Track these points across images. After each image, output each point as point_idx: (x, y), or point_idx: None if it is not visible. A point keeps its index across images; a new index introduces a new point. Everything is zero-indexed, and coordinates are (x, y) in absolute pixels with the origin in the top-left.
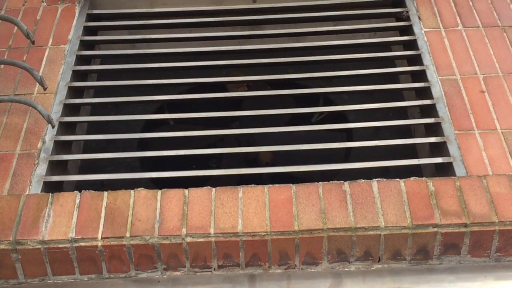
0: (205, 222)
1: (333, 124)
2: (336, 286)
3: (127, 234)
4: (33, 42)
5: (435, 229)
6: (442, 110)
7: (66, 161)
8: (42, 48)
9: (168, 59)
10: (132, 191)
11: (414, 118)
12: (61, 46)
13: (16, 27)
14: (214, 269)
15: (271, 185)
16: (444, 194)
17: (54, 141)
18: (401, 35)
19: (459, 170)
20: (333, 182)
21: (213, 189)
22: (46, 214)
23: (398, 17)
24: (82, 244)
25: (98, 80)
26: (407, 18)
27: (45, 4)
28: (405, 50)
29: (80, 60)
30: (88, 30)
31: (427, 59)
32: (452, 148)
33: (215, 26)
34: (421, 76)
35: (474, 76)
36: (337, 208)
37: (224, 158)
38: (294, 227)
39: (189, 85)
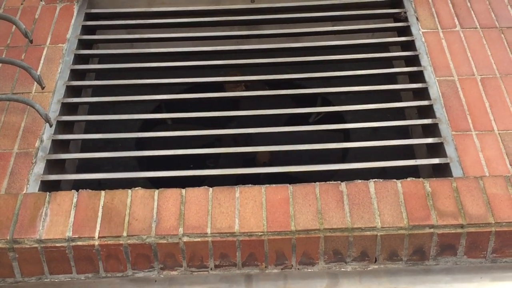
0: (202, 222)
1: (330, 124)
2: (333, 287)
3: (124, 234)
4: (31, 41)
5: (432, 230)
6: (440, 111)
7: (64, 160)
8: (40, 47)
9: (166, 58)
10: (129, 191)
11: (411, 118)
12: (59, 45)
13: (14, 26)
14: (211, 269)
15: (268, 185)
16: (440, 195)
17: (52, 140)
18: (399, 36)
19: (456, 171)
20: (330, 182)
21: (210, 189)
22: (43, 213)
23: (396, 18)
24: (79, 243)
25: (96, 79)
26: (405, 19)
27: (43, 3)
28: (403, 51)
29: (78, 59)
30: (86, 29)
31: (424, 60)
32: (449, 149)
33: (213, 25)
34: (418, 77)
35: (471, 77)
36: (334, 209)
37: (222, 158)
38: (291, 227)
39: (187, 85)
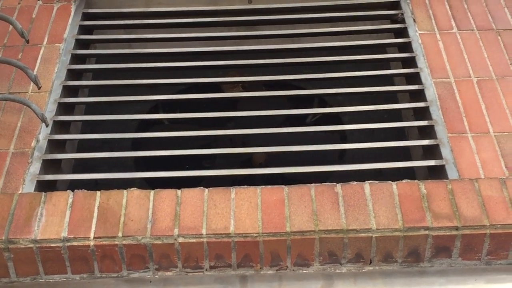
0: (197, 223)
1: (327, 125)
2: None
3: (120, 234)
4: (27, 41)
5: (427, 232)
6: (436, 112)
7: (60, 160)
8: (37, 47)
9: (164, 59)
10: (125, 191)
11: (408, 120)
12: (56, 44)
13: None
14: (206, 270)
15: (263, 186)
16: (436, 197)
17: (48, 140)
18: (396, 37)
19: (451, 173)
20: (326, 184)
21: (206, 189)
22: (38, 213)
23: (393, 19)
24: (74, 243)
25: (93, 79)
26: (402, 21)
27: (40, 2)
28: (400, 52)
29: (75, 59)
30: (83, 29)
31: (421, 62)
32: (445, 151)
33: (211, 26)
34: (415, 78)
35: (468, 79)
36: (329, 210)
37: (218, 158)
38: (286, 228)
39: (184, 85)
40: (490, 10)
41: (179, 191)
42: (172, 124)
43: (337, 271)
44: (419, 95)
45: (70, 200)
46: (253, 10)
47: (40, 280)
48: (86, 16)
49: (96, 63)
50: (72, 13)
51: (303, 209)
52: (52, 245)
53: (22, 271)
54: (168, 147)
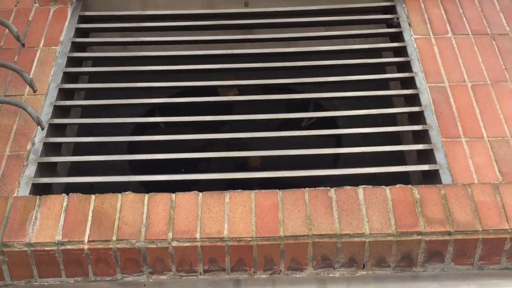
0: (192, 227)
1: (322, 129)
2: None
3: (114, 238)
4: (23, 45)
5: (419, 237)
6: (430, 117)
7: (56, 163)
8: (33, 49)
9: (160, 62)
10: (119, 195)
11: (403, 124)
12: (52, 47)
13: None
14: (200, 274)
15: (257, 190)
16: (429, 202)
17: (44, 143)
18: (391, 42)
19: (445, 177)
20: (319, 188)
21: (200, 194)
22: (33, 217)
23: (388, 23)
24: (69, 247)
25: (89, 82)
26: (398, 25)
27: (37, 5)
28: (395, 56)
29: (72, 62)
30: (80, 32)
31: (416, 66)
32: (439, 156)
33: (207, 29)
34: (410, 83)
35: (462, 84)
36: (323, 215)
37: (214, 162)
38: (280, 232)
39: (180, 89)
40: (485, 14)
41: (173, 195)
42: (168, 127)
43: (331, 275)
44: (413, 99)
45: (64, 204)
46: (249, 13)
47: (35, 283)
48: (83, 19)
49: (93, 66)
50: (69, 16)
51: (297, 214)
52: (46, 248)
53: (17, 274)
54: (163, 150)
